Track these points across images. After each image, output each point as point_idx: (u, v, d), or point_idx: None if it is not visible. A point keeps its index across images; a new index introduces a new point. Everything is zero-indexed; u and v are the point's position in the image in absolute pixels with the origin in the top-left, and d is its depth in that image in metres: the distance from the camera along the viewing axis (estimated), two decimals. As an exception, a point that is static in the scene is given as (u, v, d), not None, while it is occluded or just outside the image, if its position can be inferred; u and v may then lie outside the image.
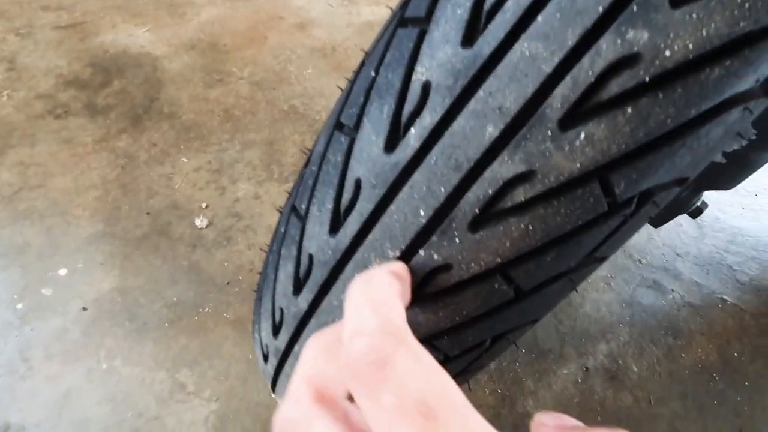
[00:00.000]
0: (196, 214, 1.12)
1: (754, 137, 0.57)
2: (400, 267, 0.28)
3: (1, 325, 0.92)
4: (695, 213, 0.74)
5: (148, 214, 1.11)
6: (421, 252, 0.29)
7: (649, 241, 1.21)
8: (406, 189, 0.28)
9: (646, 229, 1.23)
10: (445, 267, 0.29)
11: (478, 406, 0.89)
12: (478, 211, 0.27)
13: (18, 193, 1.11)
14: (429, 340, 0.32)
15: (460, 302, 0.30)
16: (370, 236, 0.30)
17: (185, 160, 1.22)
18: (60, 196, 1.12)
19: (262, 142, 1.30)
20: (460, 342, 0.32)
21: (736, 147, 0.59)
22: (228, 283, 1.01)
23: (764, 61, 0.24)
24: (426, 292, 0.30)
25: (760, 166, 0.64)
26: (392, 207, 0.29)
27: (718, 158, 0.62)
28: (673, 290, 1.11)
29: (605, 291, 1.09)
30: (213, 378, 0.89)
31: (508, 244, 0.28)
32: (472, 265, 0.28)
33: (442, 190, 0.27)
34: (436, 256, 0.28)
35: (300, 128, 1.35)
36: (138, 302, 0.97)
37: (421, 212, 0.28)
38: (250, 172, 1.22)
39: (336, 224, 0.32)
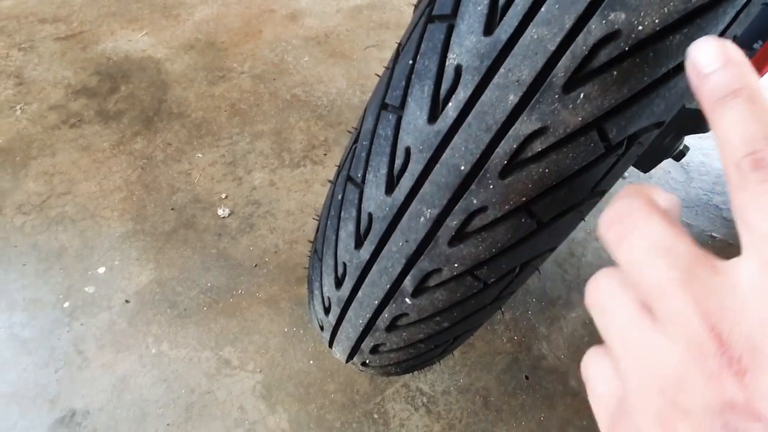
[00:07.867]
0: (217, 205, 1.17)
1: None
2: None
3: (52, 323, 0.98)
4: (679, 156, 0.82)
5: (172, 209, 1.17)
6: (463, 199, 0.37)
7: (640, 190, 1.28)
8: (448, 150, 0.36)
9: (638, 177, 1.31)
10: (483, 209, 0.37)
11: (497, 353, 0.97)
12: (506, 162, 0.35)
13: (47, 201, 1.17)
14: (472, 271, 0.40)
15: (495, 236, 0.38)
16: (421, 191, 0.38)
17: (200, 155, 1.28)
18: (87, 200, 1.17)
19: (271, 131, 1.35)
20: (496, 270, 0.40)
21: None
22: (256, 266, 1.08)
23: (713, 27, 0.32)
24: (468, 231, 0.38)
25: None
26: (438, 166, 0.37)
27: (694, 105, 0.70)
28: (665, 233, 1.18)
29: (603, 239, 1.16)
30: (254, 352, 0.95)
31: (530, 186, 0.36)
32: (504, 205, 0.36)
33: (477, 148, 0.35)
34: (475, 201, 0.36)
35: (304, 115, 1.40)
36: (176, 291, 1.03)
37: (462, 167, 0.36)
38: (263, 161, 1.28)
39: (391, 185, 0.39)
